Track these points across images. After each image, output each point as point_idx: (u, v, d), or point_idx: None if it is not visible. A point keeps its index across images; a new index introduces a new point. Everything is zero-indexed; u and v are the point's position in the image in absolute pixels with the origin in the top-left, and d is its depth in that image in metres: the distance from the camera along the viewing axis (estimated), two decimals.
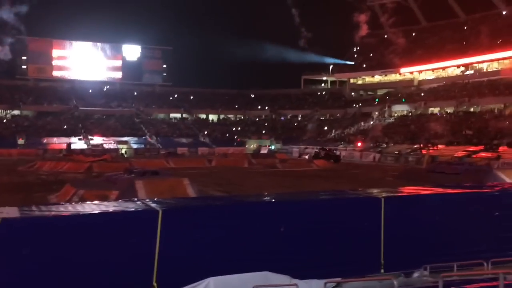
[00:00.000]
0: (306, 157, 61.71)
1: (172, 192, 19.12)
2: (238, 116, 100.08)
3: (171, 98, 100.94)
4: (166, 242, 8.06)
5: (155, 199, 10.02)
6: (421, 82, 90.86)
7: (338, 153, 58.76)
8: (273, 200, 10.56)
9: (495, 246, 10.30)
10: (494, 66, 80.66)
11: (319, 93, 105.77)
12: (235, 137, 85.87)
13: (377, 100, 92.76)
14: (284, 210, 9.41)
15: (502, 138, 57.99)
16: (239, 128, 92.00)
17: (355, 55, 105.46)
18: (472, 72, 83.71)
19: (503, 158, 49.36)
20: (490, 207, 10.79)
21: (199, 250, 8.36)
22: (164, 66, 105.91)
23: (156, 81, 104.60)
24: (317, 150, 59.76)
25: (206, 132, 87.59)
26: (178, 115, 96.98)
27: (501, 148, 55.02)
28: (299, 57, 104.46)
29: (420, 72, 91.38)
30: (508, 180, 29.51)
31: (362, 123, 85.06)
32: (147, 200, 9.71)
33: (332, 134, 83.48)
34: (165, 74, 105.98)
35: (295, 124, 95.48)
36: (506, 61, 77.73)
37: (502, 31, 78.81)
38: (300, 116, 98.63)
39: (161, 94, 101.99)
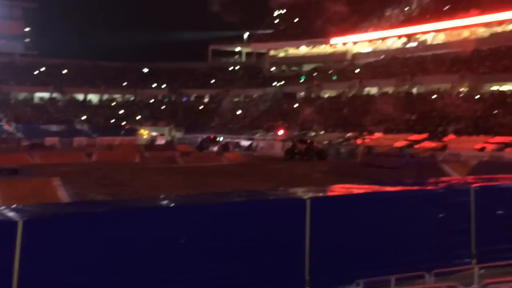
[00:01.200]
0: (215, 148, 61.97)
1: (37, 197, 18.49)
2: (126, 96, 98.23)
3: (36, 72, 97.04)
4: (28, 261, 7.81)
5: (14, 206, 9.64)
6: (355, 56, 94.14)
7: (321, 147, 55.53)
8: (172, 205, 10.54)
9: (439, 254, 10.98)
10: (440, 38, 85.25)
11: (231, 68, 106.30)
12: (123, 123, 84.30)
13: (303, 77, 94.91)
14: (185, 217, 9.42)
15: (448, 125, 61.67)
16: (128, 112, 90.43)
17: (277, 21, 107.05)
18: (415, 44, 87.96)
19: (449, 148, 52.56)
20: (434, 208, 11.46)
21: (70, 271, 8.18)
22: (27, 29, 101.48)
23: (16, 49, 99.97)
24: (292, 142, 56.81)
25: (84, 118, 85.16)
26: (46, 95, 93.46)
27: (447, 137, 58.51)
28: (206, 23, 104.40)
29: (354, 43, 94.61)
30: (455, 174, 31.42)
31: (284, 105, 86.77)
32: (3, 207, 9.32)
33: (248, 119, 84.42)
34: (28, 39, 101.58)
35: (201, 107, 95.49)
36: (454, 32, 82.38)
37: None
38: (207, 96, 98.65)
39: (23, 66, 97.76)
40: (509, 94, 67.67)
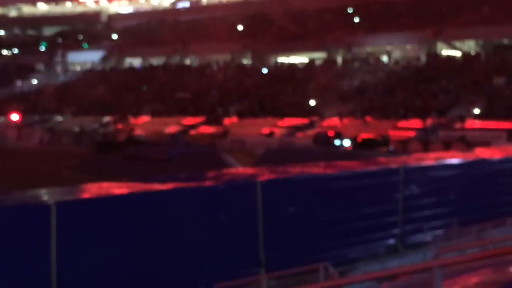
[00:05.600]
0: None
1: None
2: None
3: None
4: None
5: None
6: (113, 18, 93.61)
7: None
8: None
9: (221, 264, 11.35)
10: None
11: None
12: None
13: (43, 44, 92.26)
14: None
15: (229, 105, 64.08)
16: None
17: None
18: (187, 4, 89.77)
19: (231, 134, 54.71)
20: (213, 208, 11.80)
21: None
22: None
23: None
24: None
25: None
26: None
27: (228, 120, 60.79)
28: None
29: (110, 1, 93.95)
30: (239, 165, 32.79)
31: (19, 82, 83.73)
32: None
33: None
34: None
35: None
36: None
37: None
38: None
39: None
40: (299, 67, 72.10)
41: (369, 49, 70.92)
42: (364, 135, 49.95)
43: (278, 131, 54.81)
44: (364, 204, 13.67)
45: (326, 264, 10.17)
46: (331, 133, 51.70)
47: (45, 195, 11.46)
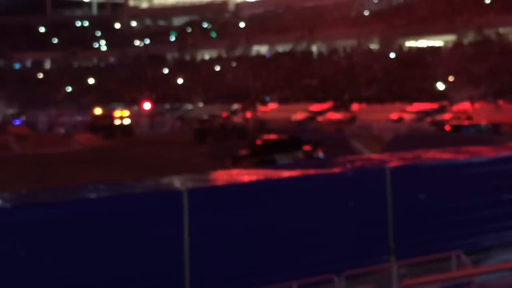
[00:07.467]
0: (62, 130, 60.39)
1: None
2: None
3: None
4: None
5: None
6: (240, 6, 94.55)
7: None
8: (5, 207, 10.14)
9: (350, 251, 11.28)
10: None
11: (78, 24, 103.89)
12: None
13: (173, 34, 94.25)
14: (23, 221, 9.11)
15: (356, 91, 63.51)
16: None
17: None
18: None
19: (359, 120, 54.22)
20: (342, 195, 11.72)
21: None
22: None
23: None
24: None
25: None
26: None
27: (356, 106, 60.30)
28: None
29: None
30: (367, 152, 32.44)
31: (150, 71, 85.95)
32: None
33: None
34: None
35: (40, 75, 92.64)
36: None
37: None
38: (48, 61, 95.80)
39: None
40: (428, 50, 70.56)
41: (500, 30, 68.51)
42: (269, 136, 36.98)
43: (407, 117, 53.88)
44: (498, 190, 13.23)
45: (458, 252, 9.93)
46: None
47: (177, 181, 11.76)
